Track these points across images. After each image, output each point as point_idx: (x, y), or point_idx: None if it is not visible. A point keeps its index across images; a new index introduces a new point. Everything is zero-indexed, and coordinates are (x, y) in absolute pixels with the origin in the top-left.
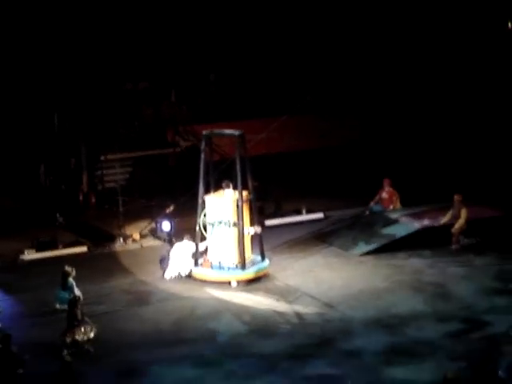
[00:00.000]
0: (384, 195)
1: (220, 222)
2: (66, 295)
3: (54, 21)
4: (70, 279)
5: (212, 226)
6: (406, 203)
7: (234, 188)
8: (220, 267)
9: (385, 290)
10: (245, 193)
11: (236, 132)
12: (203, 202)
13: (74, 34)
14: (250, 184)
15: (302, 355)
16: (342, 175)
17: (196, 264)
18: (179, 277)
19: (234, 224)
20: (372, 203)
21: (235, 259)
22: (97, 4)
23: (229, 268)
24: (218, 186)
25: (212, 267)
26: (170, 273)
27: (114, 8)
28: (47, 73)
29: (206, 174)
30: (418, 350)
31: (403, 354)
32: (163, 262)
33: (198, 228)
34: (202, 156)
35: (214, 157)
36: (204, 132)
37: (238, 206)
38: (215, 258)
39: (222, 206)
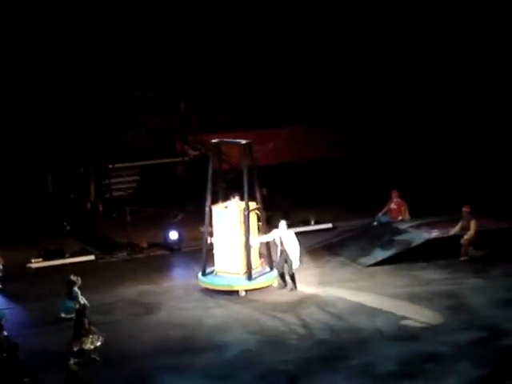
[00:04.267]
0: (392, 206)
1: None
2: (71, 304)
3: (61, 27)
4: (75, 288)
5: None
6: (414, 214)
7: (241, 199)
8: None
9: (393, 300)
10: (252, 203)
11: (242, 141)
12: (210, 211)
13: (84, 40)
14: (257, 194)
15: (311, 367)
16: (351, 185)
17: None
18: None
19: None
20: (380, 214)
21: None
22: (106, 12)
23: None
24: (226, 196)
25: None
26: (297, 263)
27: (124, 16)
28: (56, 82)
29: (214, 183)
30: (430, 363)
31: (413, 366)
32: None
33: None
34: (210, 165)
35: (223, 166)
36: (212, 141)
37: (244, 216)
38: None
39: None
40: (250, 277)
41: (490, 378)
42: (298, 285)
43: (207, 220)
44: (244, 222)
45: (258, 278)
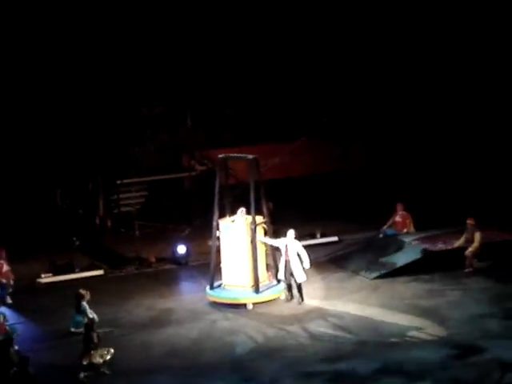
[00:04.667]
0: (397, 219)
1: None
2: (80, 318)
3: (71, 44)
4: (84, 303)
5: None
6: (419, 227)
7: (248, 212)
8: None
9: (398, 313)
10: (259, 217)
11: (249, 156)
12: (217, 225)
13: (93, 57)
14: (264, 208)
15: (314, 379)
16: (356, 199)
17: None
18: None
19: None
20: (385, 227)
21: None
22: (113, 29)
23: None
24: (233, 210)
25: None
26: (303, 276)
27: (131, 34)
28: (66, 98)
29: (221, 197)
30: (424, 373)
31: (405, 377)
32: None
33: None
34: (217, 180)
35: (229, 181)
36: (219, 156)
37: (250, 230)
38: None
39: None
40: (257, 290)
41: None
42: (304, 297)
43: (214, 234)
44: (251, 236)
45: (266, 291)
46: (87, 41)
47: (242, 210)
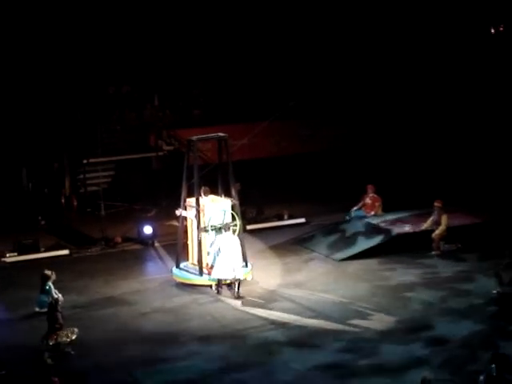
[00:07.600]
0: (367, 201)
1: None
2: (45, 298)
3: (36, 21)
4: (49, 282)
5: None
6: (387, 209)
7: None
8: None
9: (364, 295)
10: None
11: (220, 134)
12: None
13: (58, 35)
14: (232, 189)
15: (282, 361)
16: (325, 180)
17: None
18: (234, 279)
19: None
20: (355, 208)
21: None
22: (79, 8)
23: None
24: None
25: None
26: (223, 274)
27: (97, 12)
28: (30, 77)
29: (189, 179)
30: (394, 357)
31: (370, 361)
32: None
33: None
34: (186, 161)
35: (196, 161)
36: (189, 138)
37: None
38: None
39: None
40: (201, 272)
41: None
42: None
43: (181, 215)
44: (198, 218)
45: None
46: (53, 19)
47: (205, 190)
